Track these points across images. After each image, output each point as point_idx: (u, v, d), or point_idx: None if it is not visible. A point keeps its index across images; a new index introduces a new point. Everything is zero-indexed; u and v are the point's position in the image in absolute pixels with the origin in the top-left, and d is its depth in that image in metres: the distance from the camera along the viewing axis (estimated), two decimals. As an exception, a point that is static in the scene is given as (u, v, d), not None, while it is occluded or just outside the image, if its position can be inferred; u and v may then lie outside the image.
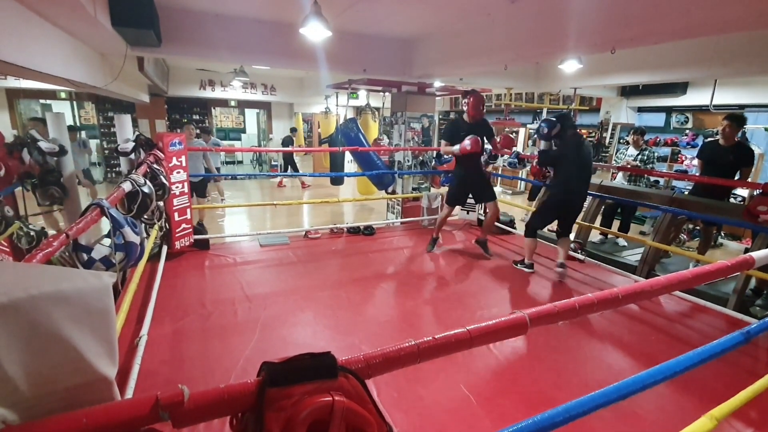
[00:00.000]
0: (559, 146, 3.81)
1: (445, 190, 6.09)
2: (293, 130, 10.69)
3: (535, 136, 4.50)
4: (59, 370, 0.64)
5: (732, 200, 6.48)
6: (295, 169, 10.02)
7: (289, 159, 9.97)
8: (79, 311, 0.65)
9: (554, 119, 3.79)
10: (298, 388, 0.66)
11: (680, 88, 7.34)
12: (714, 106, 5.88)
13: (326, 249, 4.66)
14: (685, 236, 6.01)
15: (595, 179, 5.43)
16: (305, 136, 14.52)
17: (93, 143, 10.90)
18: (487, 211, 4.41)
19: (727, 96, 6.78)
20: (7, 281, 0.64)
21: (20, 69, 2.89)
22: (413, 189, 6.12)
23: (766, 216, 3.07)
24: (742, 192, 6.53)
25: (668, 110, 8.35)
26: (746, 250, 4.88)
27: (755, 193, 5.00)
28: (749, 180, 4.36)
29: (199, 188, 5.75)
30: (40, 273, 0.72)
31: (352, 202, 7.93)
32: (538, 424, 1.04)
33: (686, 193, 4.54)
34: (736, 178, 4.09)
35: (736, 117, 4.10)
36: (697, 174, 4.60)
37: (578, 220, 4.87)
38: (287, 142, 10.20)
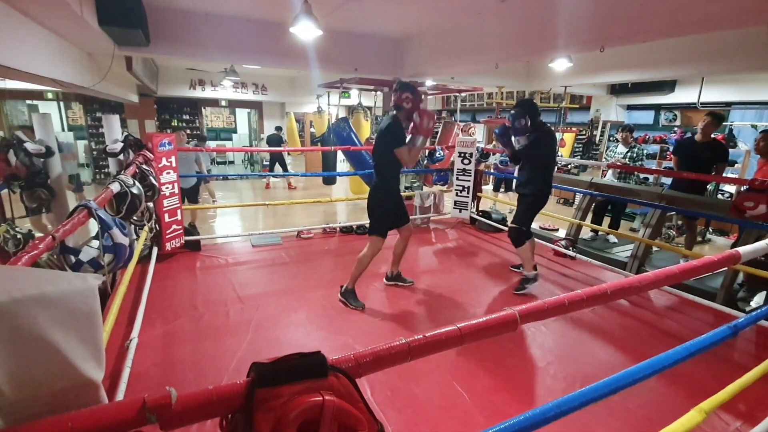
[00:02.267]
0: (540, 137, 3.32)
1: (437, 189, 6.12)
2: (279, 128, 10.52)
3: (500, 134, 3.54)
4: (44, 374, 0.63)
5: (720, 196, 6.58)
6: (285, 169, 9.89)
7: (278, 158, 9.84)
8: (63, 314, 0.64)
9: (519, 109, 3.29)
10: (288, 388, 0.65)
11: (668, 86, 7.45)
12: (701, 103, 5.96)
13: (319, 249, 4.64)
14: (674, 232, 6.09)
15: (585, 176, 5.49)
16: (297, 136, 14.41)
17: (81, 144, 10.79)
18: (402, 237, 3.43)
19: (714, 93, 6.88)
20: (-11, 284, 0.63)
21: (5, 69, 2.85)
22: (405, 188, 6.13)
23: (752, 211, 3.12)
24: (729, 188, 6.63)
25: (657, 108, 8.46)
26: (733, 245, 4.96)
27: (742, 189, 5.07)
28: (738, 176, 4.45)
29: (190, 195, 5.62)
30: (24, 275, 0.71)
31: (344, 201, 7.92)
32: (531, 419, 1.04)
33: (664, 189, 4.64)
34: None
35: (717, 115, 4.24)
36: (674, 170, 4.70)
37: (571, 217, 4.93)
38: (275, 140, 10.05)
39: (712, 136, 4.31)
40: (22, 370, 0.61)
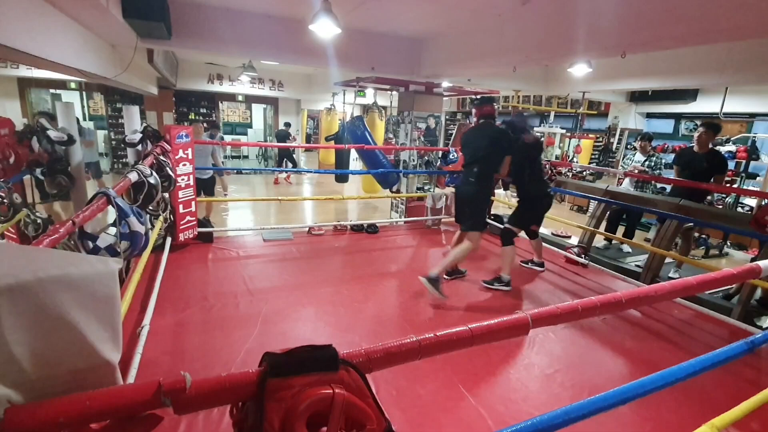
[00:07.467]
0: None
1: (450, 190, 6.09)
2: (287, 124, 10.63)
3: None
4: (64, 353, 0.65)
5: (740, 209, 6.43)
6: (294, 164, 9.98)
7: (286, 153, 9.93)
8: (85, 296, 0.65)
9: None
10: (299, 380, 0.66)
11: (690, 95, 7.29)
12: (724, 113, 5.82)
13: (329, 246, 4.66)
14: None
15: (600, 184, 5.41)
16: (312, 133, 14.51)
17: (100, 134, 11.01)
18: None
19: (738, 104, 6.72)
20: (15, 263, 0.65)
21: (32, 58, 2.92)
22: (418, 189, 6.11)
23: (773, 226, 3.04)
24: (750, 201, 6.47)
25: (677, 117, 8.30)
26: (752, 260, 4.84)
27: (763, 203, 4.96)
28: (759, 189, 4.36)
29: (207, 187, 5.68)
30: (48, 257, 0.73)
31: (356, 199, 7.94)
32: (537, 425, 1.03)
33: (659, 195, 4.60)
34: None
35: (711, 125, 4.20)
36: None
37: (584, 224, 4.86)
38: (283, 135, 10.13)
39: (713, 146, 4.30)
40: (44, 349, 0.63)
